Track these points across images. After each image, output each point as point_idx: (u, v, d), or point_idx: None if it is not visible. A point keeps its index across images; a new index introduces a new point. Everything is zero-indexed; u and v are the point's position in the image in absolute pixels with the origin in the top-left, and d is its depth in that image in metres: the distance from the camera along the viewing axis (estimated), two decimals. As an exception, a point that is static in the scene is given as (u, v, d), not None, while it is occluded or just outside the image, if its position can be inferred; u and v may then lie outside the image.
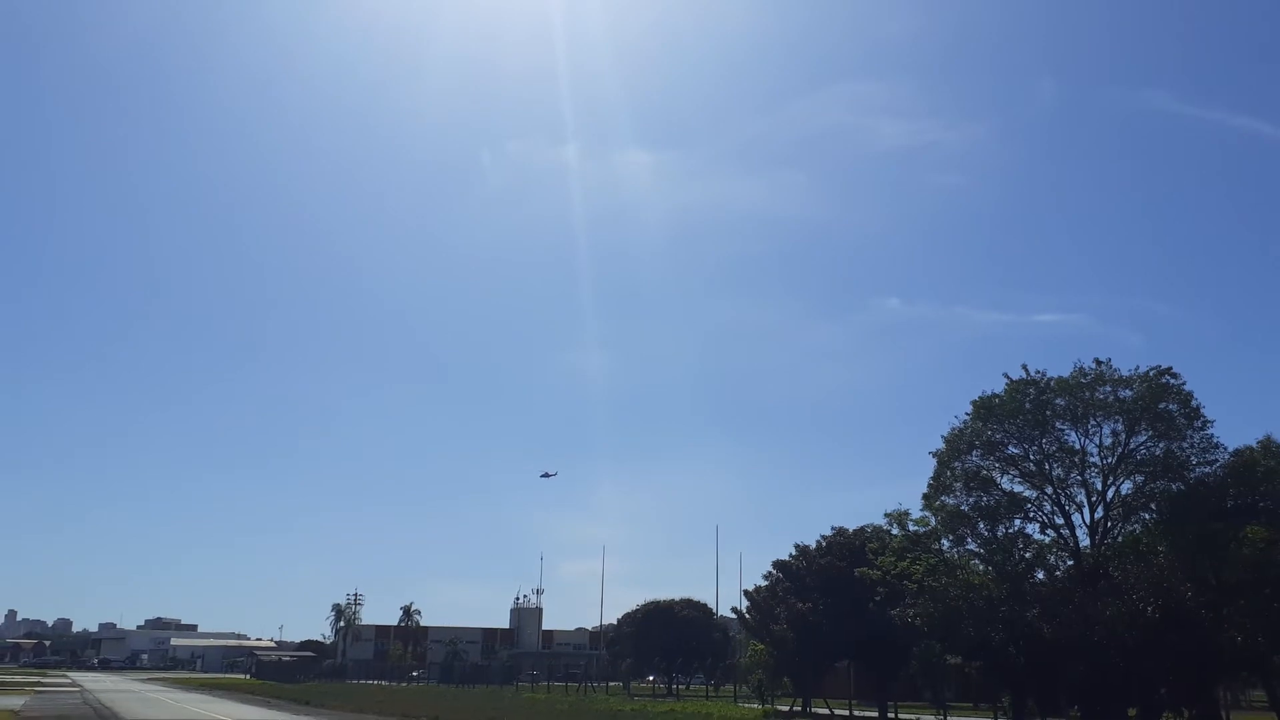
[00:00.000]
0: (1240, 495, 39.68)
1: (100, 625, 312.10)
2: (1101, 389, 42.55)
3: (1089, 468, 42.55)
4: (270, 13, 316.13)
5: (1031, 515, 43.58)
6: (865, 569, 49.95)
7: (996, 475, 43.96)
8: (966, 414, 44.72)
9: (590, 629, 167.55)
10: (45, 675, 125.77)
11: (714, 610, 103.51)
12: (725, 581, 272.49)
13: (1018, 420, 43.33)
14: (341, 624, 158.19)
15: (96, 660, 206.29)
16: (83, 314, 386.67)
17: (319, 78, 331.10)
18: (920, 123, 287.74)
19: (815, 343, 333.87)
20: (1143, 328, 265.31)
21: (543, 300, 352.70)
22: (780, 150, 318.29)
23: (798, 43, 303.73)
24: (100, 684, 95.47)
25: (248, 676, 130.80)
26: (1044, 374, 43.83)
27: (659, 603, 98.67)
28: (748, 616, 65.86)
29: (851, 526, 60.62)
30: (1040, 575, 43.58)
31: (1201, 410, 41.24)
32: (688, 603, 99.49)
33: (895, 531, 48.33)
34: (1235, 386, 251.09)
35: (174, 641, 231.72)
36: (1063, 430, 43.17)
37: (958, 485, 44.04)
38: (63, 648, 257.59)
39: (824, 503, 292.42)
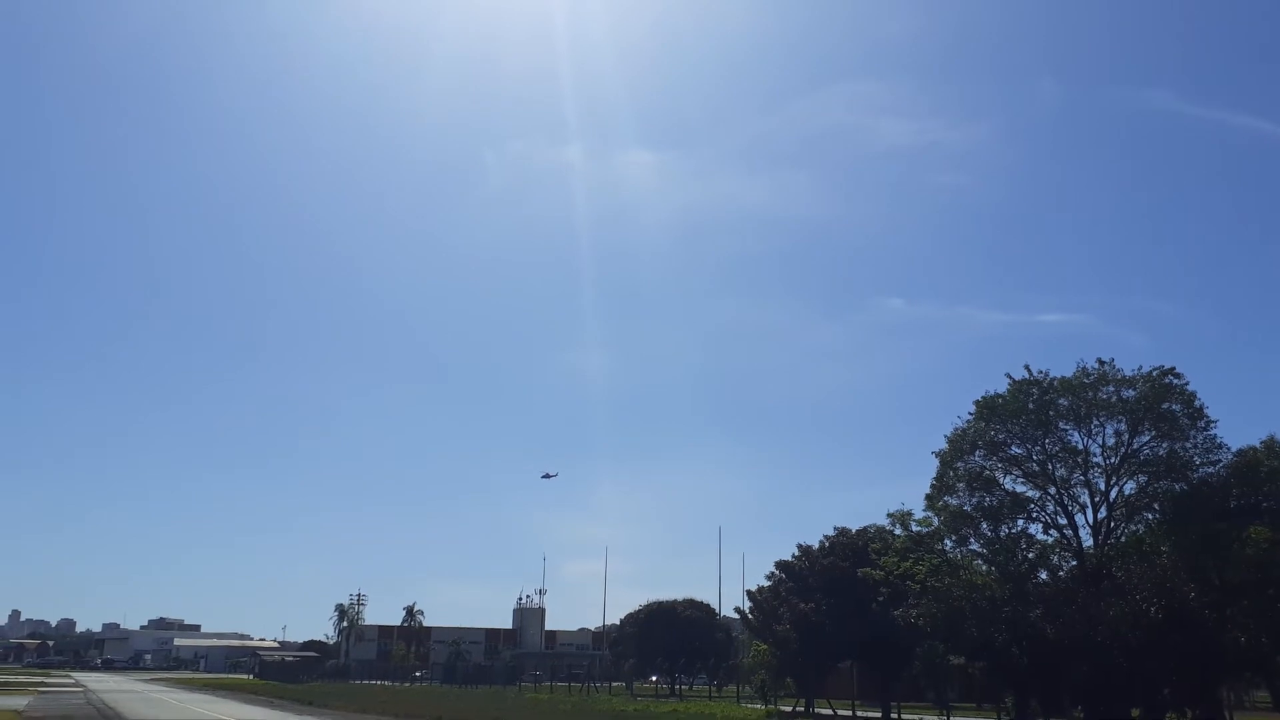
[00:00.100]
0: (1243, 495, 39.69)
1: (104, 625, 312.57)
2: (1104, 389, 42.56)
3: (1092, 468, 42.59)
4: (271, 13, 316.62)
5: (1034, 515, 43.61)
6: (868, 569, 49.95)
7: (999, 475, 43.99)
8: (969, 414, 44.84)
9: (593, 629, 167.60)
10: (49, 676, 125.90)
11: (717, 610, 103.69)
12: (728, 582, 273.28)
13: (1021, 420, 43.35)
14: (344, 624, 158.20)
15: (100, 660, 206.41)
16: (83, 314, 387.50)
17: (320, 77, 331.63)
18: (922, 122, 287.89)
19: (817, 342, 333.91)
20: (1146, 328, 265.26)
21: (544, 300, 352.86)
22: (782, 150, 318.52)
23: (799, 42, 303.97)
24: (103, 684, 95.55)
25: (251, 677, 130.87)
26: (1047, 374, 43.92)
27: (662, 603, 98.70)
28: (750, 617, 65.85)
29: (854, 527, 60.69)
30: (1043, 575, 43.59)
31: (1205, 410, 41.34)
32: (690, 603, 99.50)
33: (898, 532, 48.36)
34: (1238, 387, 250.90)
35: (177, 642, 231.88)
36: (1066, 430, 43.21)
37: (961, 485, 44.05)
38: (66, 648, 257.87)
39: (826, 503, 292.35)
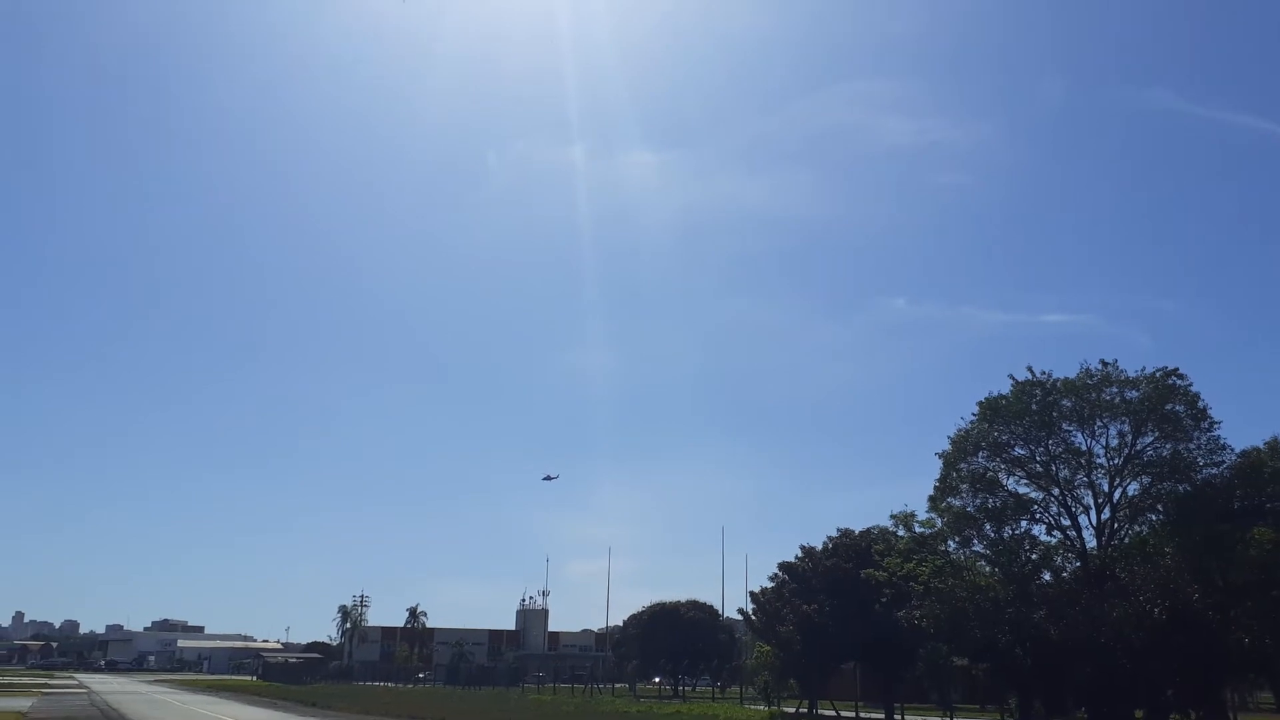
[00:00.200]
0: (1247, 496, 39.69)
1: (107, 627, 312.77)
2: (1108, 390, 42.55)
3: (1095, 469, 42.58)
4: (274, 13, 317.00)
5: (1038, 517, 43.60)
6: (871, 570, 49.93)
7: (1003, 476, 44.00)
8: (973, 415, 44.83)
9: (596, 630, 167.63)
10: (52, 677, 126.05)
11: (720, 612, 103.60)
12: (731, 583, 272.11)
13: (1024, 421, 43.35)
14: (348, 625, 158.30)
15: (103, 662, 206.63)
16: (85, 313, 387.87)
17: (322, 77, 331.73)
18: (926, 121, 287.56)
19: (820, 342, 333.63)
20: (1150, 328, 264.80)
21: (546, 300, 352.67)
22: (785, 149, 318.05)
23: (803, 41, 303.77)
24: (107, 685, 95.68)
25: (254, 678, 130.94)
26: (1050, 375, 43.96)
27: (665, 604, 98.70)
28: (754, 618, 65.84)
29: (857, 528, 60.67)
30: (1047, 577, 43.58)
31: (1208, 411, 41.31)
32: (693, 604, 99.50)
33: (901, 533, 48.33)
34: (1242, 388, 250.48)
35: (181, 643, 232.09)
36: (1069, 431, 43.21)
37: (964, 487, 44.05)
38: (70, 649, 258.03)
39: (829, 504, 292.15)
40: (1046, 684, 41.40)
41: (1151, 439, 41.78)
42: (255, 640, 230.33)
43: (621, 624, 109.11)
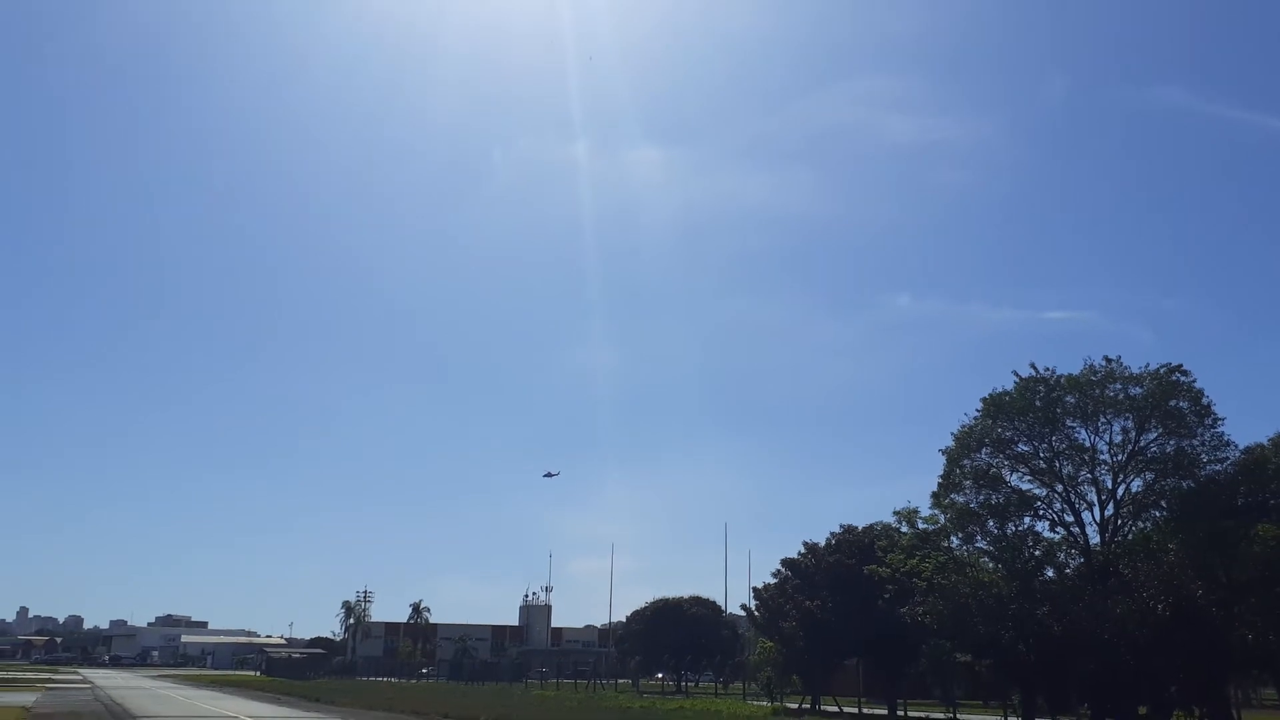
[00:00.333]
0: (1251, 493, 39.64)
1: (111, 622, 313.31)
2: (1111, 386, 42.48)
3: (1099, 465, 42.54)
4: (278, 10, 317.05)
5: (1041, 513, 43.56)
6: (874, 567, 49.93)
7: (1006, 473, 43.96)
8: (976, 411, 44.77)
9: (599, 626, 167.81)
10: (56, 672, 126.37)
11: (723, 608, 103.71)
12: (734, 579, 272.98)
13: (1028, 418, 43.30)
14: (351, 621, 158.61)
15: (107, 657, 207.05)
16: (87, 311, 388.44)
17: (326, 75, 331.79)
18: (928, 119, 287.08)
19: (824, 339, 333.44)
20: (1153, 324, 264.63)
21: (550, 297, 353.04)
22: (788, 146, 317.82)
23: (806, 38, 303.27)
24: (111, 681, 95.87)
25: (258, 673, 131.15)
26: (1053, 371, 43.89)
27: (668, 600, 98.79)
28: (757, 614, 65.89)
29: (860, 524, 60.69)
30: (1050, 573, 43.57)
31: (1212, 408, 41.24)
32: (696, 600, 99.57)
33: (904, 529, 48.29)
34: (1246, 384, 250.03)
35: (184, 638, 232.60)
36: (1073, 428, 43.16)
37: (967, 483, 44.02)
38: (74, 645, 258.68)
39: (832, 500, 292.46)
40: (1050, 680, 41.35)
41: (1155, 435, 41.72)
42: (259, 636, 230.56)
43: (625, 620, 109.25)
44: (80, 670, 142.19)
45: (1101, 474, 42.50)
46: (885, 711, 56.32)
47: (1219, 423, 41.02)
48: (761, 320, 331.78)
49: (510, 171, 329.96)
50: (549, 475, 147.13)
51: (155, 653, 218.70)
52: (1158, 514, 41.71)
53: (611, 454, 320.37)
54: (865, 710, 57.17)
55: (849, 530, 60.59)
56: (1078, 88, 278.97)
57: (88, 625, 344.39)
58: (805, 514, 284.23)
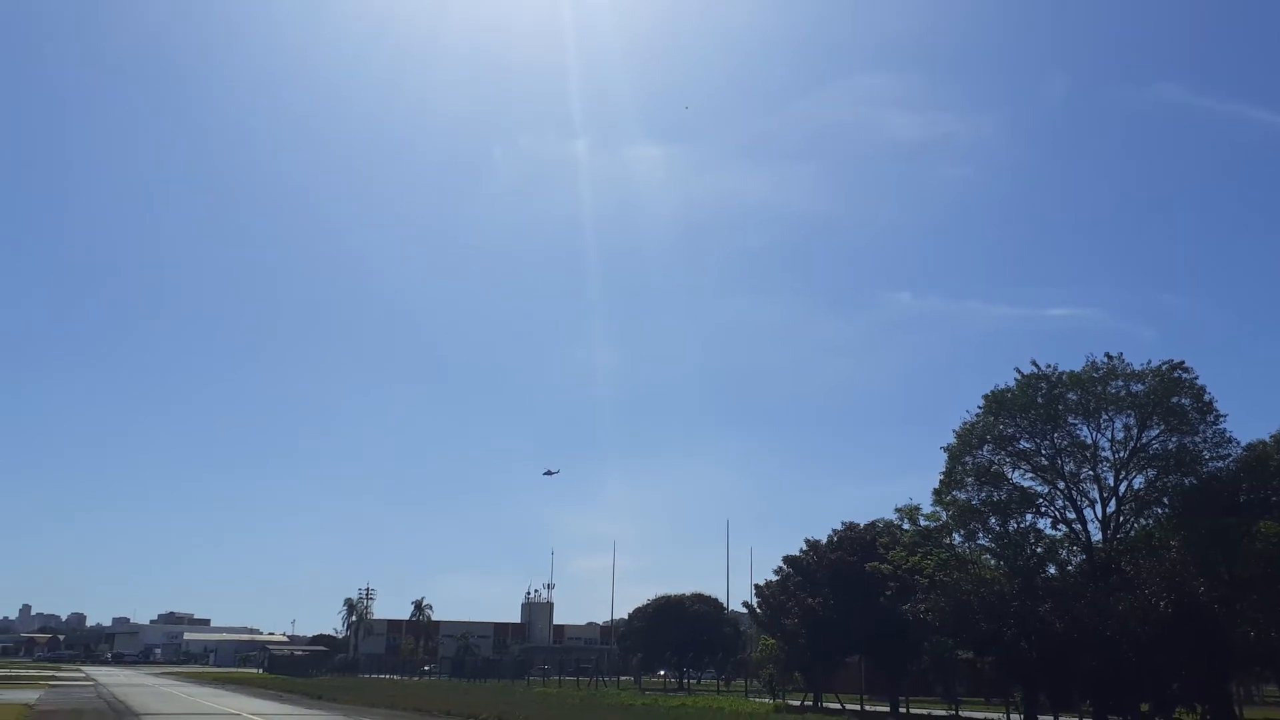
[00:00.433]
0: (1253, 490, 39.60)
1: (114, 620, 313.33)
2: (1113, 383, 42.45)
3: (1101, 462, 42.51)
4: (279, 9, 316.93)
5: (1043, 510, 43.55)
6: (876, 564, 49.88)
7: (1008, 470, 43.94)
8: (978, 408, 44.75)
9: (601, 624, 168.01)
10: (59, 669, 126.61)
11: (725, 605, 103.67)
12: (736, 576, 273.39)
13: (1029, 415, 43.28)
14: (353, 618, 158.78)
15: (110, 655, 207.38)
16: (92, 309, 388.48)
17: (326, 72, 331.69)
18: (929, 116, 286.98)
19: (825, 337, 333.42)
20: (1155, 321, 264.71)
21: (551, 295, 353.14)
22: (789, 144, 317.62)
23: (807, 35, 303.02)
24: (114, 678, 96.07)
25: (260, 671, 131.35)
26: (1055, 368, 43.83)
27: (670, 597, 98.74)
28: (759, 611, 65.81)
29: (862, 521, 60.55)
30: (1052, 570, 43.52)
31: (1214, 404, 41.22)
32: (699, 597, 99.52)
33: (906, 526, 48.26)
34: (1248, 381, 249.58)
35: (187, 636, 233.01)
36: (1074, 425, 43.12)
37: (969, 480, 44.00)
38: (76, 642, 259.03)
39: (834, 498, 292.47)
40: (1052, 677, 41.33)
41: (1157, 432, 41.70)
42: (261, 633, 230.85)
43: (627, 617, 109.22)
44: (83, 668, 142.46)
45: (1103, 471, 42.51)
46: (887, 708, 56.31)
47: (1221, 419, 41.07)
48: (762, 318, 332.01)
49: (511, 169, 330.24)
50: (548, 473, 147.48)
51: (158, 650, 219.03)
52: (1159, 511, 41.69)
53: (612, 452, 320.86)
54: (867, 707, 57.15)
55: (851, 527, 60.51)
56: (1078, 85, 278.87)
57: (90, 623, 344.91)
58: (807, 512, 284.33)
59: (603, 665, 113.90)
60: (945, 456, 45.06)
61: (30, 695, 55.45)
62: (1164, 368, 41.80)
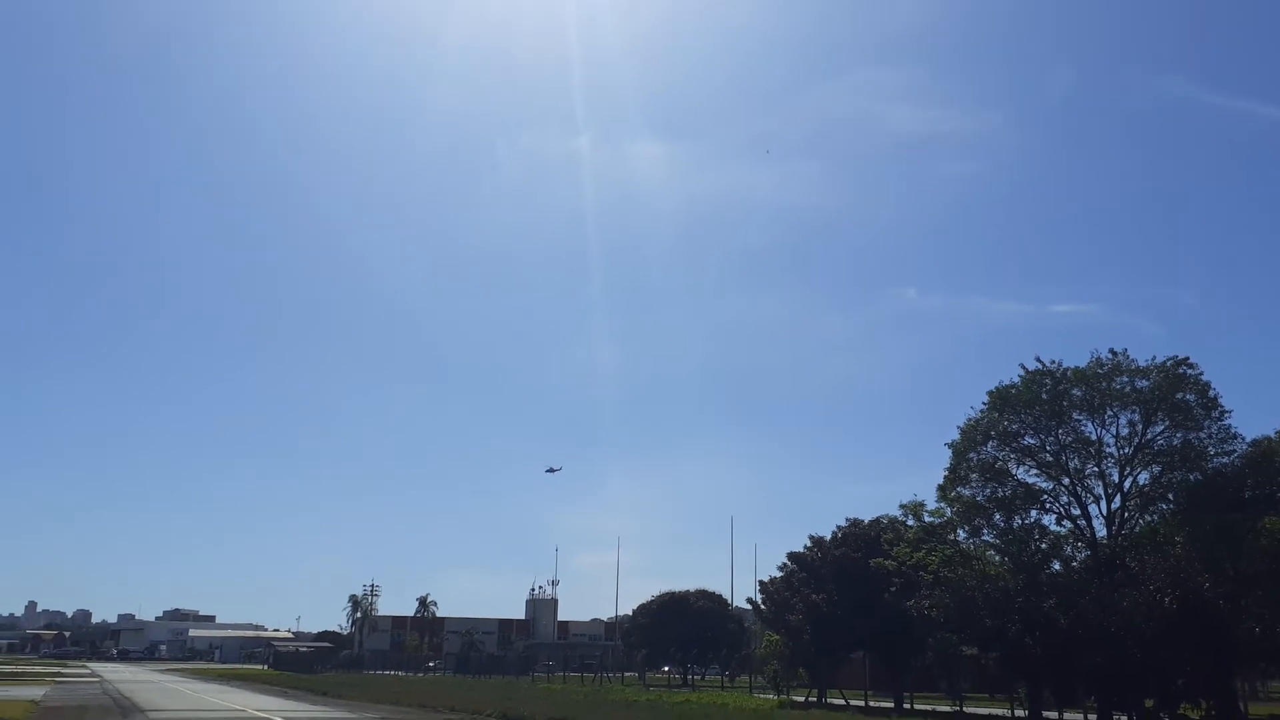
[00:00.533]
0: (1258, 486, 39.55)
1: (119, 616, 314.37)
2: (1118, 379, 42.38)
3: (1105, 458, 42.42)
4: (281, 7, 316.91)
5: (1048, 506, 43.48)
6: (880, 560, 49.87)
7: (1012, 466, 43.89)
8: (982, 405, 44.66)
9: (605, 620, 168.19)
10: (65, 666, 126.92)
11: (729, 601, 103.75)
12: (740, 573, 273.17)
13: (1034, 411, 43.22)
14: (358, 615, 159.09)
15: (115, 651, 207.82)
16: (89, 311, 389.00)
17: (329, 69, 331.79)
18: (933, 111, 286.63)
19: (828, 333, 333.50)
20: (1160, 317, 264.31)
21: (554, 292, 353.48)
22: (792, 139, 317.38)
23: (810, 31, 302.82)
24: (119, 674, 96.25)
25: (265, 667, 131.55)
26: (1060, 364, 43.73)
27: (674, 594, 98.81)
28: (762, 608, 65.84)
29: (866, 518, 60.51)
30: (1056, 566, 43.44)
31: (1219, 400, 41.08)
32: (703, 594, 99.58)
33: (911, 523, 48.24)
34: (1253, 376, 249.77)
35: (192, 632, 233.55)
36: (1079, 421, 43.04)
37: (974, 476, 43.96)
38: (82, 639, 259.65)
39: (838, 494, 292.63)
40: (1056, 673, 41.35)
41: (1162, 428, 41.60)
42: (266, 629, 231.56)
43: (631, 613, 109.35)
44: (88, 664, 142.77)
45: (1108, 467, 42.41)
46: (891, 704, 56.30)
47: (1226, 415, 40.92)
48: (765, 315, 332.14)
49: (513, 166, 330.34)
50: (551, 470, 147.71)
51: (163, 646, 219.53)
52: (1164, 507, 41.61)
53: (615, 449, 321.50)
54: (871, 703, 57.18)
55: (855, 524, 60.48)
56: (1083, 80, 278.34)
57: (96, 619, 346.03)
58: (811, 508, 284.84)
59: (607, 661, 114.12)
60: (949, 453, 45.03)
61: (37, 691, 55.61)
62: (1169, 364, 41.70)
